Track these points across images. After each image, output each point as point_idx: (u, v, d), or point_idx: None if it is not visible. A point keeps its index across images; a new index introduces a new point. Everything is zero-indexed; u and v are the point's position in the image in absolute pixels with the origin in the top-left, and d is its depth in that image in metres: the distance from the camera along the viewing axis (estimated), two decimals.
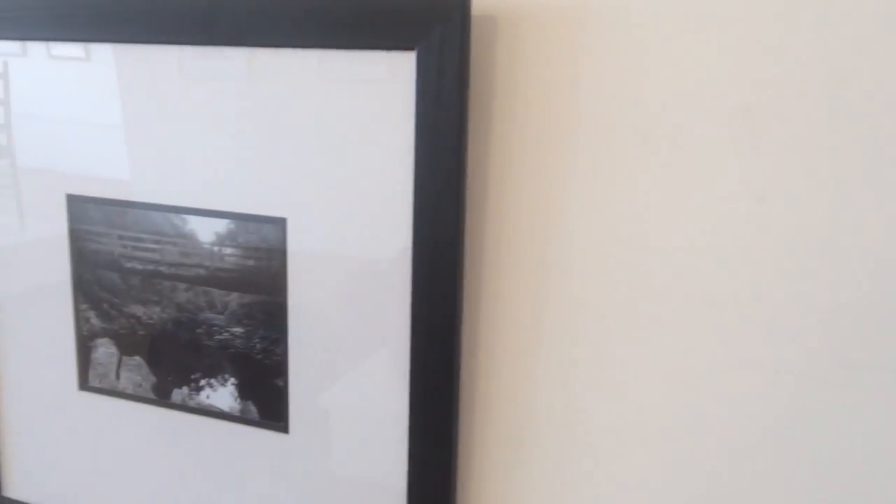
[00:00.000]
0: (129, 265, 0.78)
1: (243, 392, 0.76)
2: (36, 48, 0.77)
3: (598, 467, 0.67)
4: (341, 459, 0.73)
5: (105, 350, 0.81)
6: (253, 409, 0.76)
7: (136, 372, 0.80)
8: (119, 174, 0.77)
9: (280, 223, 0.71)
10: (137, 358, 0.80)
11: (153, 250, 0.77)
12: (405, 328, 0.68)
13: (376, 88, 0.65)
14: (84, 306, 0.81)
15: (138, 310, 0.79)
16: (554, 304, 0.66)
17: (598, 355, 0.66)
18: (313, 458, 0.74)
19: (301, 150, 0.69)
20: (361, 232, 0.68)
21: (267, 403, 0.75)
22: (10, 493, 0.91)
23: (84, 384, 0.83)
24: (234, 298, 0.74)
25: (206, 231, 0.74)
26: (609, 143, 0.62)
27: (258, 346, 0.74)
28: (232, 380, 0.76)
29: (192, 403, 0.78)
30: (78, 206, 0.79)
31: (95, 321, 0.81)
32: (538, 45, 0.62)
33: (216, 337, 0.76)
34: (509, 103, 0.64)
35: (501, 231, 0.67)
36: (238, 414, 0.77)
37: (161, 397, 0.80)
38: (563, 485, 0.69)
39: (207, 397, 0.78)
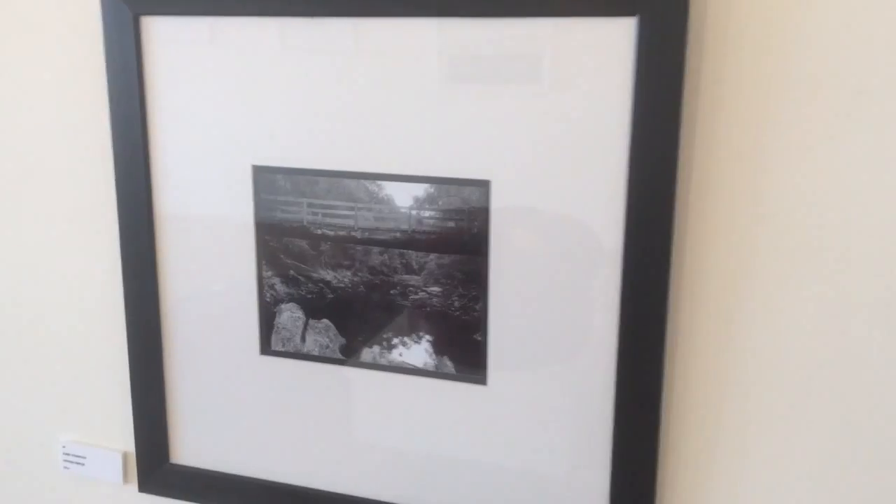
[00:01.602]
0: (318, 232, 0.81)
1: (439, 348, 0.80)
2: (222, 23, 0.79)
3: (803, 471, 0.73)
4: (541, 409, 0.78)
5: (290, 315, 0.85)
6: (449, 364, 0.80)
7: (324, 334, 0.84)
8: (311, 144, 0.79)
9: (483, 185, 0.75)
10: (325, 321, 0.84)
11: (346, 216, 0.80)
12: (613, 288, 0.72)
13: (593, 53, 0.69)
14: (269, 273, 0.84)
15: (328, 274, 0.82)
16: (766, 289, 0.71)
17: (815, 355, 0.71)
18: (512, 407, 0.79)
19: (506, 114, 0.72)
20: (568, 194, 0.72)
21: (464, 357, 0.79)
22: (180, 459, 0.94)
23: (266, 349, 0.86)
24: (432, 259, 0.78)
25: (403, 196, 0.77)
26: (819, 106, 0.66)
27: (456, 303, 0.78)
28: (427, 337, 0.80)
29: (382, 361, 0.82)
30: (264, 177, 0.82)
31: (280, 288, 0.84)
32: (752, 10, 0.66)
33: (411, 297, 0.80)
34: (721, 70, 0.68)
35: (714, 209, 0.71)
36: (433, 369, 0.81)
37: (350, 357, 0.83)
38: (762, 478, 0.75)
39: (400, 355, 0.82)
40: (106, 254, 0.91)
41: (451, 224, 0.77)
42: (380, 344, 0.82)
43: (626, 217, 0.71)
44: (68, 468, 1.00)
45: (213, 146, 0.83)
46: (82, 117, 0.88)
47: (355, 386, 0.84)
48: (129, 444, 0.96)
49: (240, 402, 0.89)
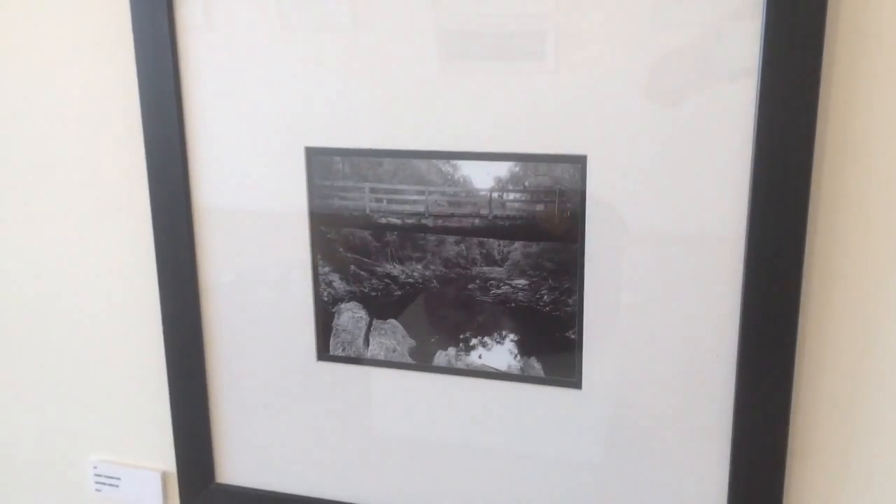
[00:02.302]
0: (383, 220, 0.71)
1: (524, 348, 0.71)
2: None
3: None
4: (645, 415, 0.69)
5: (351, 315, 0.75)
6: (536, 366, 0.71)
7: (390, 336, 0.74)
8: (374, 121, 0.69)
9: (579, 162, 0.65)
10: (392, 321, 0.74)
11: (416, 202, 0.70)
12: (733, 281, 0.63)
13: (713, 20, 0.59)
14: (326, 269, 0.74)
15: (394, 269, 0.73)
16: None
17: None
18: (610, 413, 0.70)
19: (607, 78, 0.63)
20: (680, 172, 0.63)
21: (554, 358, 0.70)
22: (227, 479, 0.84)
23: (324, 353, 0.77)
24: (516, 248, 0.69)
25: (483, 176, 0.68)
26: None
27: (545, 297, 0.69)
28: (511, 336, 0.71)
29: (459, 365, 0.73)
30: (318, 160, 0.72)
31: (339, 285, 0.75)
32: None
33: (493, 291, 0.70)
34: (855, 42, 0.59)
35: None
36: (518, 372, 0.71)
37: (421, 361, 0.74)
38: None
39: (479, 357, 0.72)
40: (140, 249, 0.81)
41: (540, 207, 0.67)
42: (456, 346, 0.73)
43: (752, 200, 0.61)
44: (101, 490, 0.90)
45: (258, 126, 0.73)
46: (109, 101, 0.78)
47: (427, 393, 0.75)
48: (169, 464, 0.87)
49: (293, 413, 0.80)
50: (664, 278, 0.65)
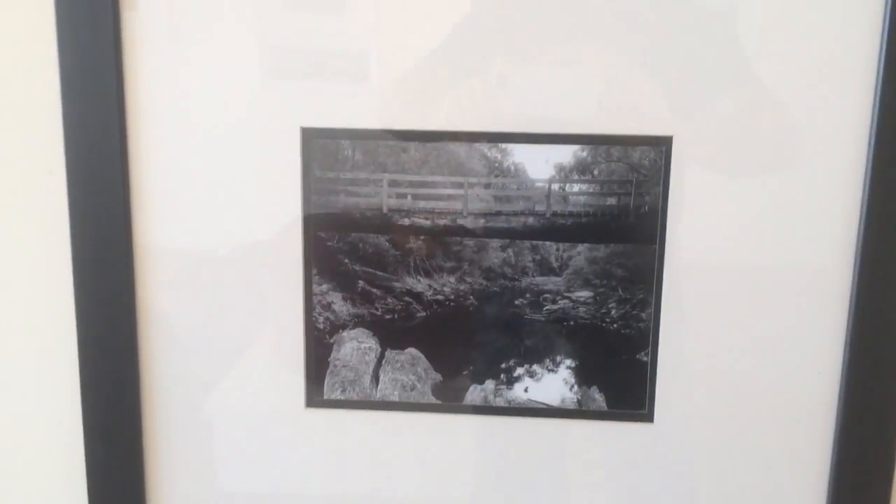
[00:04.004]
0: (406, 222, 0.56)
1: (583, 376, 0.57)
2: None
3: None
4: (728, 454, 0.57)
5: (356, 346, 0.58)
6: (597, 398, 0.58)
7: (408, 370, 0.58)
8: (395, 93, 0.54)
9: (662, 144, 0.53)
10: (411, 350, 0.58)
11: (451, 198, 0.55)
12: (841, 294, 0.54)
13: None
14: (324, 287, 0.57)
15: (418, 283, 0.57)
16: None
17: None
18: (689, 453, 0.58)
19: (700, 42, 0.52)
20: (786, 162, 0.53)
21: (620, 387, 0.57)
22: None
23: (316, 398, 0.59)
24: (580, 252, 0.56)
25: (540, 164, 0.54)
26: None
27: (613, 312, 0.56)
28: (567, 362, 0.57)
29: (499, 402, 0.58)
30: (318, 145, 0.55)
31: (341, 307, 0.58)
32: None
33: (546, 307, 0.57)
34: None
35: None
36: (574, 406, 0.58)
37: (448, 400, 0.58)
38: None
39: (525, 391, 0.58)
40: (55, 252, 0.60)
41: (612, 201, 0.55)
42: (495, 378, 0.58)
43: (869, 197, 0.52)
44: None
45: (230, 100, 0.55)
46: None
47: (455, 441, 0.59)
48: None
49: (274, 480, 0.61)
50: (760, 289, 0.55)
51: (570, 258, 0.56)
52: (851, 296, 0.54)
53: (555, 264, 0.56)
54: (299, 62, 0.54)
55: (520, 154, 0.54)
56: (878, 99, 0.51)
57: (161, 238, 0.57)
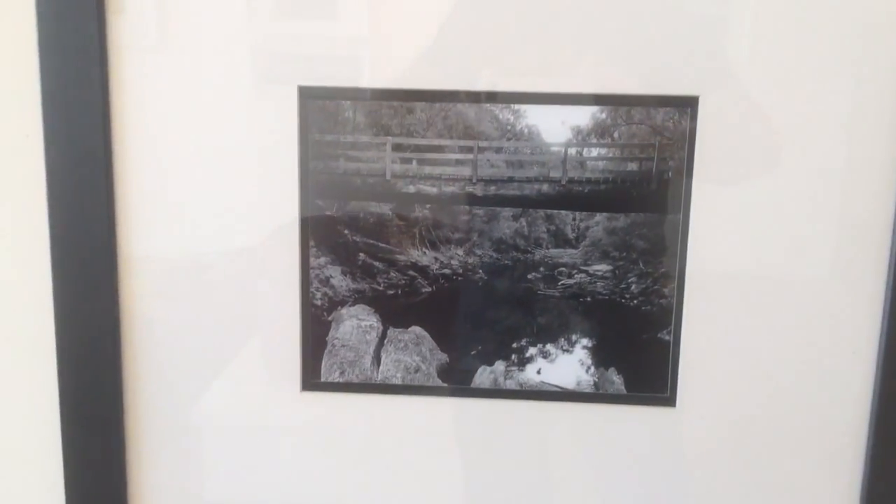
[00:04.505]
0: (410, 189, 0.52)
1: (601, 357, 0.53)
2: None
3: None
4: (756, 440, 0.54)
5: (356, 323, 0.54)
6: (616, 380, 0.54)
7: (412, 350, 0.54)
8: (401, 49, 0.50)
9: (688, 105, 0.50)
10: (415, 329, 0.54)
11: (459, 163, 0.51)
12: (879, 271, 0.50)
13: None
14: (321, 260, 0.53)
15: (424, 256, 0.53)
16: None
17: None
18: (713, 439, 0.54)
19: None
20: (822, 121, 0.49)
21: (640, 368, 0.53)
22: None
23: (312, 381, 0.55)
24: (598, 222, 0.52)
25: (556, 126, 0.51)
26: None
27: (633, 287, 0.52)
28: (583, 341, 0.53)
29: (510, 385, 0.54)
30: (316, 106, 0.51)
31: (341, 282, 0.54)
32: None
33: (561, 282, 0.53)
34: None
35: None
36: (591, 389, 0.54)
37: (456, 383, 0.54)
38: None
39: (538, 372, 0.54)
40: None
41: (633, 167, 0.51)
42: (506, 359, 0.54)
43: None
44: None
45: (221, 57, 0.51)
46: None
47: (463, 426, 0.55)
48: None
49: (267, 470, 0.57)
50: (794, 264, 0.51)
51: (587, 228, 0.52)
52: (890, 268, 0.50)
53: (571, 235, 0.52)
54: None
55: (534, 116, 0.50)
56: None
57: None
